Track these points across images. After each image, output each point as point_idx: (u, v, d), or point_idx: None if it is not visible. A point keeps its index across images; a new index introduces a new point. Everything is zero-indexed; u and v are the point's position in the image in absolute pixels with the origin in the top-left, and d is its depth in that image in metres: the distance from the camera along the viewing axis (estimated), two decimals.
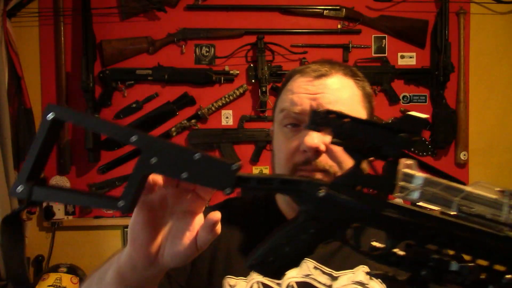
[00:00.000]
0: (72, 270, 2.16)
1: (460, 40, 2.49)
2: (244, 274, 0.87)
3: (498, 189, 0.53)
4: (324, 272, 0.87)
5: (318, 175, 0.84)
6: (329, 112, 0.53)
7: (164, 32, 2.38)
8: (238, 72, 2.39)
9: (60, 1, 2.31)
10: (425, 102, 2.51)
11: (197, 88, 2.39)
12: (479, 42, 2.54)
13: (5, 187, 2.05)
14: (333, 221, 0.55)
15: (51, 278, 2.08)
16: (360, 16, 2.45)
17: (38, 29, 2.35)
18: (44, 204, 2.33)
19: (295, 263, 0.58)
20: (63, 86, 2.33)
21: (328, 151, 0.84)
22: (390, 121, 0.51)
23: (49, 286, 2.05)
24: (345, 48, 2.45)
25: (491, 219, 0.52)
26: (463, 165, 2.53)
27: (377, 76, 2.45)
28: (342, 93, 0.89)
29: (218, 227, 0.58)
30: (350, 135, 0.53)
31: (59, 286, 2.06)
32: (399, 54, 2.50)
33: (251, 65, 2.40)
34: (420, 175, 0.54)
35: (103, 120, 0.57)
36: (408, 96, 2.50)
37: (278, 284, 0.86)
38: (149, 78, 2.35)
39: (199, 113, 2.37)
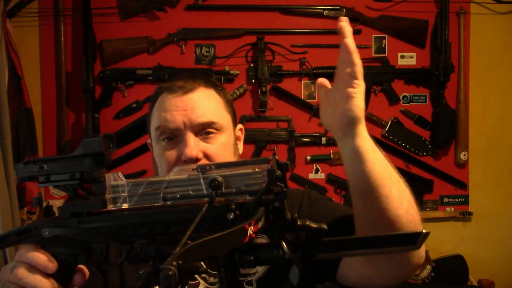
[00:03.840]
0: None
1: (460, 40, 2.50)
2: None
3: (193, 167, 0.59)
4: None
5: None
6: (29, 161, 0.61)
7: (164, 32, 2.38)
8: (238, 72, 2.39)
9: (60, 1, 2.31)
10: (425, 102, 2.52)
11: None
12: (479, 42, 2.54)
13: (5, 187, 2.05)
14: (69, 251, 0.61)
15: None
16: (360, 16, 2.45)
17: (38, 29, 2.35)
18: (44, 204, 2.33)
19: None
20: (63, 86, 2.33)
21: (206, 157, 0.95)
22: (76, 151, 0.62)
23: None
24: None
25: (195, 195, 0.57)
26: (463, 165, 2.53)
27: (377, 76, 2.45)
28: (209, 104, 0.99)
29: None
30: (60, 172, 0.60)
31: None
32: (399, 54, 2.50)
33: (251, 65, 2.40)
34: (123, 182, 0.60)
35: None
36: (408, 96, 2.50)
37: None
38: (149, 78, 2.35)
39: None
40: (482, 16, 2.53)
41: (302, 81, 2.46)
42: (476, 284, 2.46)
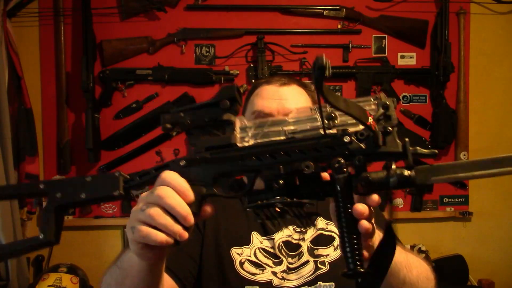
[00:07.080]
0: (72, 270, 2.16)
1: (460, 40, 2.49)
2: (246, 242, 1.12)
3: (312, 107, 0.67)
4: (296, 231, 1.15)
5: None
6: (175, 111, 0.69)
7: (164, 32, 2.38)
8: (238, 72, 2.39)
9: (60, 1, 2.31)
10: (425, 102, 2.52)
11: (197, 88, 2.39)
12: (479, 42, 2.54)
13: None
14: (201, 183, 0.67)
15: (51, 278, 2.08)
16: (360, 16, 2.45)
17: (38, 29, 2.35)
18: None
19: None
20: (63, 86, 2.33)
21: None
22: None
23: (49, 286, 2.05)
24: (345, 48, 2.45)
25: (312, 128, 0.65)
26: None
27: (377, 76, 2.45)
28: (300, 99, 1.15)
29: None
30: (192, 121, 0.69)
31: (59, 286, 2.06)
32: (399, 54, 2.50)
33: (251, 65, 2.40)
34: (250, 124, 0.68)
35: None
36: (408, 96, 2.50)
37: (272, 247, 1.12)
38: (149, 78, 2.35)
39: None
40: (482, 16, 2.53)
41: None
42: (476, 284, 2.46)
